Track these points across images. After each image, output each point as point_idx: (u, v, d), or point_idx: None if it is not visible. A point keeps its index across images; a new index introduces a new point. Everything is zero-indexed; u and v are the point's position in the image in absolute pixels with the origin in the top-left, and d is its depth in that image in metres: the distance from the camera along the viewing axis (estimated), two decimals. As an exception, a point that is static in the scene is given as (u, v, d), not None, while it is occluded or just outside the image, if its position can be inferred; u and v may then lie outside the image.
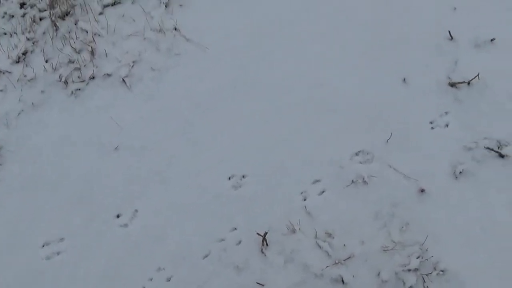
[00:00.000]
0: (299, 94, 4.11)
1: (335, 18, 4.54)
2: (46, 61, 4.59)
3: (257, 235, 3.42)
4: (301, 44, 4.41)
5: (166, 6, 4.76)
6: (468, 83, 3.96)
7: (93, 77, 4.43)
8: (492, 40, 4.21)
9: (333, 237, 3.45)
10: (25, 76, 4.51)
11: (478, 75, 3.92)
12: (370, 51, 4.28)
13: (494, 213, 3.44)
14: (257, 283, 3.32)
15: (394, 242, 3.39)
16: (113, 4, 4.86)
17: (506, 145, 3.67)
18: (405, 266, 3.30)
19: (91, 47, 4.51)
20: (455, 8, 4.45)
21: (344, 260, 3.36)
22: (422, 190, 3.55)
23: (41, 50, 4.64)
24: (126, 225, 3.69)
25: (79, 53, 4.54)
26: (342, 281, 3.28)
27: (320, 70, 4.22)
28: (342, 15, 4.55)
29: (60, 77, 4.44)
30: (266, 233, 3.37)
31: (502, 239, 3.34)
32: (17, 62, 4.61)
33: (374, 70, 4.16)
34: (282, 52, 4.38)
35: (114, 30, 4.65)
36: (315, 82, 4.15)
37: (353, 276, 3.30)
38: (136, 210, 3.73)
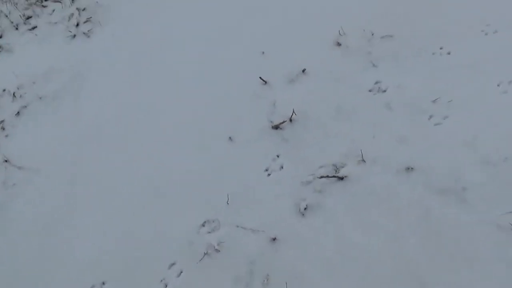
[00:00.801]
0: (132, 185, 4.40)
1: (153, 106, 4.92)
2: None
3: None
4: (126, 136, 4.74)
5: (-8, 141, 5.02)
6: (290, 120, 4.30)
7: None
8: (303, 70, 4.59)
9: (200, 314, 3.61)
10: None
11: (293, 111, 4.27)
12: (197, 119, 4.65)
13: (348, 235, 3.72)
14: None
15: (259, 298, 3.55)
16: None
17: (343, 166, 3.97)
18: (275, 317, 3.45)
19: None
20: (263, 52, 4.83)
21: (215, 333, 3.50)
22: (274, 239, 3.80)
23: None
24: None
25: None
26: None
27: (153, 154, 4.55)
28: (167, 88, 4.97)
29: None
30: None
31: (361, 258, 3.63)
32: None
33: (201, 136, 4.51)
34: (108, 151, 4.70)
35: None
36: (149, 168, 4.47)
37: None
38: None
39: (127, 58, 5.30)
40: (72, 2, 6.03)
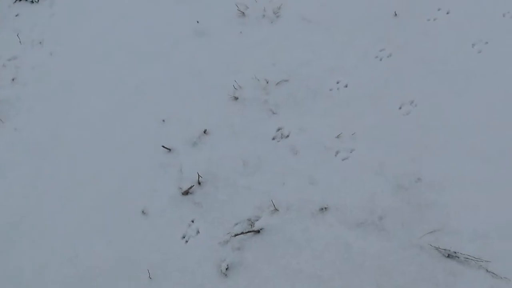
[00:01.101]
0: (54, 278, 4.38)
1: (61, 194, 4.92)
2: None
3: None
4: (42, 232, 4.72)
5: None
6: (199, 183, 4.40)
7: None
8: (204, 131, 4.72)
9: None
10: None
11: (198, 174, 4.38)
12: (107, 198, 4.69)
13: (272, 287, 3.82)
14: None
15: None
16: None
17: (257, 219, 4.08)
18: None
19: None
20: (163, 120, 4.95)
21: None
22: (200, 306, 3.83)
23: None
24: None
25: None
26: None
27: (69, 242, 4.53)
28: (72, 173, 5.01)
29: None
30: None
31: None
32: None
33: (113, 215, 4.55)
34: (23, 249, 4.66)
35: None
36: (67, 258, 4.43)
37: None
38: None
39: (30, 150, 5.30)
40: (-28, 103, 6.04)
